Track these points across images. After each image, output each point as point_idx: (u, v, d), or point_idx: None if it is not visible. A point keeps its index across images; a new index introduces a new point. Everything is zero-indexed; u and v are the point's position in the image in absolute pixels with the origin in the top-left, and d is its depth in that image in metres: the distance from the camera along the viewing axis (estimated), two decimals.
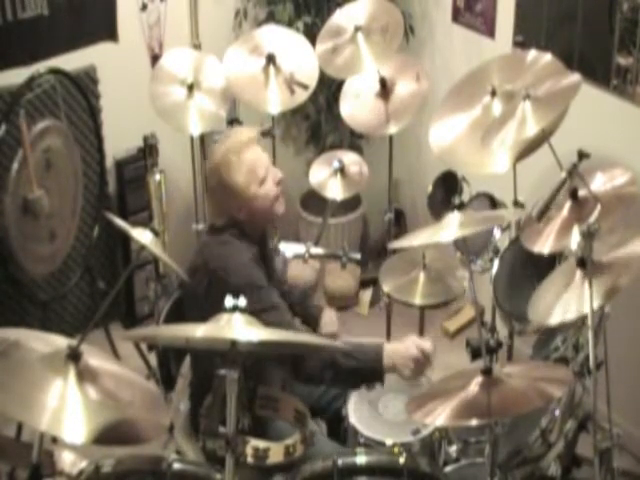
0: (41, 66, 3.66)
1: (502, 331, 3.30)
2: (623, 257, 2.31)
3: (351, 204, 4.46)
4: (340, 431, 2.84)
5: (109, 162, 4.14)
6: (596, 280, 2.20)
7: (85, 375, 2.00)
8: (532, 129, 2.63)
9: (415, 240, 2.44)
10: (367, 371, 2.69)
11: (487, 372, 2.15)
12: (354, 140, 4.41)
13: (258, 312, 2.58)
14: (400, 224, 4.63)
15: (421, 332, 3.52)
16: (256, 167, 2.81)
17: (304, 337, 2.37)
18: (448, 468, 2.73)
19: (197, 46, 4.10)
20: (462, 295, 3.16)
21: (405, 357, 2.68)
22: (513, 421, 2.56)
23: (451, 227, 2.32)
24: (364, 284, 4.55)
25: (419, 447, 2.67)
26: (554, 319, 2.30)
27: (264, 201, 2.83)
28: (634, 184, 2.66)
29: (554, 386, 2.15)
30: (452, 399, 2.13)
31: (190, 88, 3.58)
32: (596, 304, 2.16)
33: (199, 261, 2.81)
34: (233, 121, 3.82)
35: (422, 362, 2.69)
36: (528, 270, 3.01)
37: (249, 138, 2.85)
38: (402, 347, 2.71)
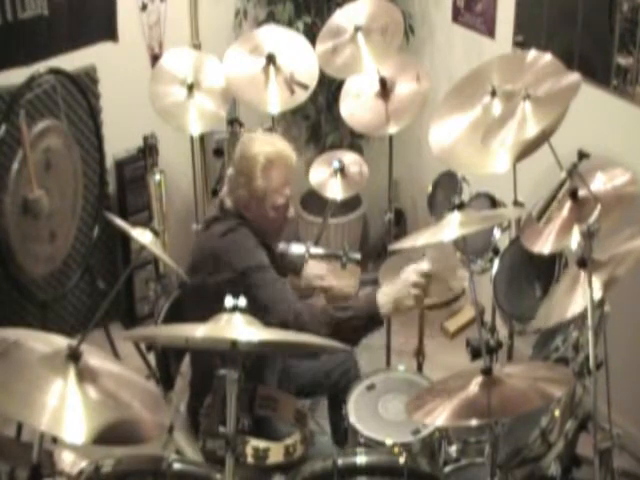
0: (41, 66, 3.65)
1: (502, 331, 3.30)
2: (621, 250, 2.32)
3: (351, 204, 4.46)
4: (340, 405, 2.84)
5: (109, 162, 4.14)
6: (595, 274, 2.21)
7: (85, 375, 2.00)
8: (532, 129, 2.63)
9: (416, 240, 2.44)
10: (365, 317, 2.66)
11: (487, 372, 2.15)
12: (354, 140, 4.41)
13: (259, 289, 2.59)
14: (400, 224, 4.62)
15: (421, 332, 3.52)
16: (279, 190, 2.82)
17: (304, 337, 2.37)
18: (448, 468, 2.73)
19: (197, 46, 4.11)
20: (462, 295, 3.16)
21: (404, 287, 2.67)
22: (513, 421, 2.56)
23: (451, 227, 2.32)
24: (364, 284, 4.55)
25: (419, 447, 2.67)
26: (555, 318, 2.31)
27: (267, 223, 2.85)
28: (634, 184, 2.66)
29: (554, 386, 2.15)
30: (452, 399, 2.13)
31: (190, 88, 3.58)
32: (595, 297, 2.17)
33: (204, 253, 2.81)
34: (233, 121, 3.82)
35: (423, 284, 2.68)
36: (528, 270, 3.02)
37: (292, 159, 2.86)
38: (397, 281, 2.70)
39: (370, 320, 2.68)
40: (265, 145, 2.84)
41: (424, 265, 2.71)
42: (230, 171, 2.89)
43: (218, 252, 2.76)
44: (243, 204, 2.82)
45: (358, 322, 2.64)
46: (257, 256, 2.76)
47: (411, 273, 2.69)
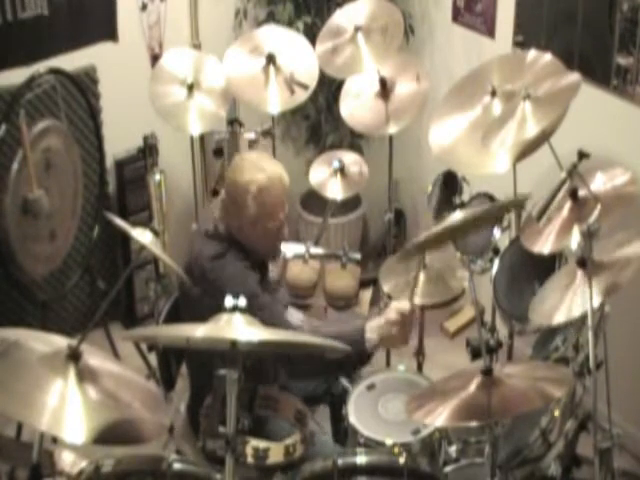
0: (41, 66, 3.65)
1: (502, 331, 3.30)
2: (623, 255, 2.31)
3: (351, 204, 4.46)
4: (339, 411, 2.83)
5: (109, 162, 4.14)
6: (596, 278, 2.21)
7: (85, 375, 2.00)
8: (532, 129, 2.63)
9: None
10: (353, 356, 2.63)
11: (487, 372, 2.15)
12: (354, 140, 4.40)
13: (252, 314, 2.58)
14: (400, 224, 4.63)
15: (421, 332, 3.52)
16: (272, 215, 2.79)
17: (304, 337, 2.37)
18: (448, 468, 2.73)
19: (197, 46, 4.11)
20: (462, 295, 3.16)
21: (386, 325, 2.70)
22: (513, 421, 2.56)
23: None
24: (364, 284, 4.55)
25: (419, 447, 2.67)
26: (556, 319, 2.31)
27: (261, 246, 2.84)
28: (634, 184, 2.66)
29: (554, 386, 2.15)
30: (452, 399, 2.13)
31: (190, 88, 3.58)
32: (596, 301, 2.17)
33: (196, 265, 2.80)
34: (233, 121, 3.82)
35: (400, 322, 2.70)
36: (528, 270, 3.02)
37: (284, 182, 2.81)
38: (382, 318, 2.74)
39: (358, 357, 2.71)
40: (255, 172, 2.77)
41: (403, 304, 2.74)
42: (222, 195, 2.87)
43: (208, 275, 2.75)
44: (236, 229, 2.81)
45: (346, 360, 2.58)
46: (246, 281, 2.74)
47: (392, 311, 2.72)
